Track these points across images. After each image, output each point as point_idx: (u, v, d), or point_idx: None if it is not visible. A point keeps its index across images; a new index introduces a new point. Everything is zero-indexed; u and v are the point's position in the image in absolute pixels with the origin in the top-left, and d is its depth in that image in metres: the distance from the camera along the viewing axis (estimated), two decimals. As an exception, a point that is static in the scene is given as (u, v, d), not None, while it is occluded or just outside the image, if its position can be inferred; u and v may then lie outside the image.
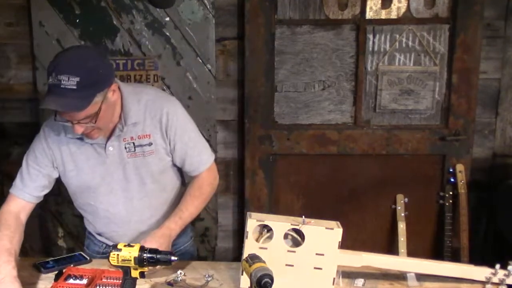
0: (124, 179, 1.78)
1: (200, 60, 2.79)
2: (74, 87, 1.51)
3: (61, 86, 1.51)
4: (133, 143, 1.74)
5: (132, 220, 1.83)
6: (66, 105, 1.53)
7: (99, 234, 1.93)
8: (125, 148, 1.74)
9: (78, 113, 1.56)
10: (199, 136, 1.87)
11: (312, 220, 1.59)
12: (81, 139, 1.73)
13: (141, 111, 1.74)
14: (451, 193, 2.81)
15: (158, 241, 1.64)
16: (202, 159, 1.86)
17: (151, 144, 1.75)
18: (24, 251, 3.02)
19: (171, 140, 1.78)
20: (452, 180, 2.82)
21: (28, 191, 1.77)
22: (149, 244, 1.52)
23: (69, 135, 1.73)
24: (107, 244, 1.92)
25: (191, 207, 1.81)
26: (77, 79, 1.51)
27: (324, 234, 1.58)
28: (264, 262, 1.37)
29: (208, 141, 2.84)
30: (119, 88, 1.71)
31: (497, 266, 1.63)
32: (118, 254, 1.41)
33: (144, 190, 1.81)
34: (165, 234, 1.71)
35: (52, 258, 1.84)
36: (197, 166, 1.86)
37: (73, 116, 1.57)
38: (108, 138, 1.74)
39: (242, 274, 1.60)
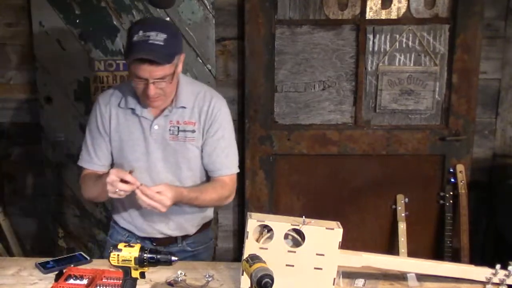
0: (162, 160, 1.83)
1: (200, 60, 2.79)
2: (162, 43, 1.61)
3: (149, 41, 1.60)
4: (178, 127, 1.81)
5: None
6: (157, 56, 1.60)
7: (124, 219, 1.93)
8: (169, 130, 1.81)
9: (159, 69, 1.63)
10: (233, 143, 1.92)
11: (312, 220, 1.59)
12: (133, 110, 1.80)
13: (192, 99, 1.83)
14: (451, 193, 2.81)
15: (170, 192, 1.66)
16: (226, 163, 1.88)
17: (194, 131, 1.82)
18: (25, 251, 3.03)
19: (207, 131, 1.83)
20: (452, 180, 2.82)
21: (96, 161, 1.87)
22: (163, 187, 1.64)
23: (122, 104, 1.82)
24: (130, 233, 1.94)
25: (205, 195, 1.82)
26: (165, 36, 1.62)
27: (325, 234, 1.58)
28: (264, 262, 1.37)
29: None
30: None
31: (498, 266, 1.63)
32: (118, 254, 1.42)
33: (178, 175, 1.85)
34: (177, 191, 1.72)
35: (53, 258, 1.83)
36: (220, 168, 1.87)
37: (153, 73, 1.63)
38: (156, 116, 1.80)
39: (242, 275, 1.60)
